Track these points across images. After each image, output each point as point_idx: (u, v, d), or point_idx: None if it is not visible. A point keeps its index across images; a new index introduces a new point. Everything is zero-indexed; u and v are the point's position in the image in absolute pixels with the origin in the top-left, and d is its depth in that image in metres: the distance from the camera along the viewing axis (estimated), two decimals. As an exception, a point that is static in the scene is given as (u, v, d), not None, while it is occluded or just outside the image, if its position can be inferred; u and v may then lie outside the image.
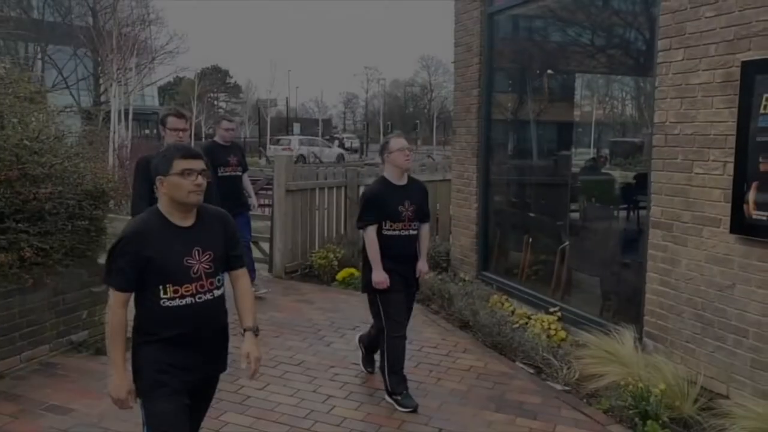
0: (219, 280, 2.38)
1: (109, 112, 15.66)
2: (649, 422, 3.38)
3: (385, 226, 3.78)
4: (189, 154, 2.30)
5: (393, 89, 68.60)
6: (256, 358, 2.38)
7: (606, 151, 6.08)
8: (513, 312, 5.38)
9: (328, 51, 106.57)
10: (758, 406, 3.31)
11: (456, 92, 6.91)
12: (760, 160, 3.39)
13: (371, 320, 4.02)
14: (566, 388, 4.05)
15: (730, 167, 3.59)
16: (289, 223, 7.01)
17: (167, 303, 2.26)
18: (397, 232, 3.79)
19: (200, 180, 2.27)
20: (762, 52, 3.42)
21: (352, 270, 6.73)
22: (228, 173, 5.70)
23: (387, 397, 3.81)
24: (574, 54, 6.20)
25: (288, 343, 4.82)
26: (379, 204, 3.77)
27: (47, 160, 4.29)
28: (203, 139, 42.50)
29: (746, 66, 3.48)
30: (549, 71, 6.47)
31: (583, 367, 4.15)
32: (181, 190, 2.25)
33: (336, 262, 6.86)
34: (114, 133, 13.38)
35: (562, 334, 4.84)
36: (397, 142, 3.82)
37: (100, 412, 3.53)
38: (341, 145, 42.64)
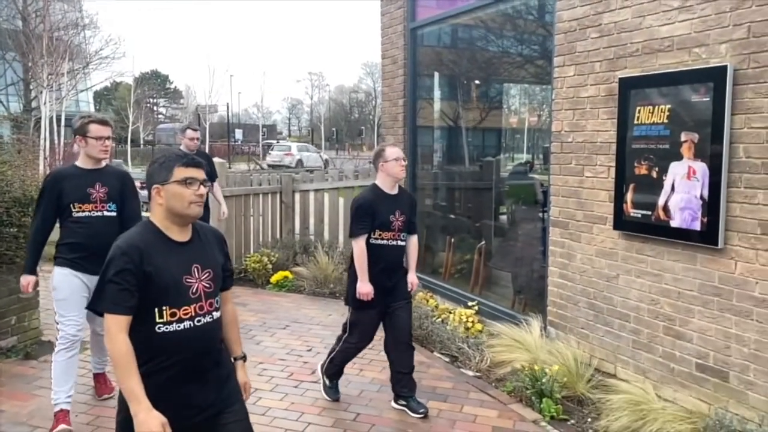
0: (218, 301, 2.18)
1: (40, 118, 15.25)
2: (544, 400, 3.78)
3: (374, 235, 3.73)
4: (191, 162, 2.12)
5: (338, 95, 68.87)
6: (250, 387, 2.37)
7: (532, 157, 6.51)
8: (436, 307, 5.74)
9: (271, 56, 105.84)
10: (637, 381, 3.78)
11: (384, 102, 7.26)
12: (635, 164, 3.86)
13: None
14: (477, 374, 4.42)
15: (613, 171, 4.05)
16: (223, 228, 7.15)
17: (163, 328, 2.02)
18: (385, 242, 3.76)
19: (202, 190, 2.09)
20: (635, 70, 3.89)
21: (287, 273, 6.97)
22: None
23: (318, 370, 4.06)
24: (493, 65, 6.64)
25: (220, 343, 4.99)
26: (372, 213, 3.71)
27: (-27, 168, 4.34)
28: (141, 146, 41.45)
29: (623, 82, 3.95)
30: (470, 81, 6.90)
31: (494, 354, 4.54)
32: (181, 200, 2.06)
33: (270, 266, 7.06)
34: (45, 140, 13.07)
35: (479, 326, 5.22)
36: (394, 151, 3.76)
37: (29, 412, 3.65)
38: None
